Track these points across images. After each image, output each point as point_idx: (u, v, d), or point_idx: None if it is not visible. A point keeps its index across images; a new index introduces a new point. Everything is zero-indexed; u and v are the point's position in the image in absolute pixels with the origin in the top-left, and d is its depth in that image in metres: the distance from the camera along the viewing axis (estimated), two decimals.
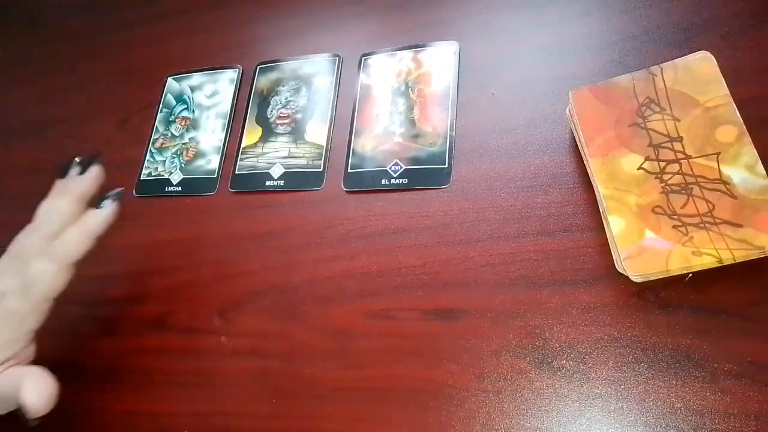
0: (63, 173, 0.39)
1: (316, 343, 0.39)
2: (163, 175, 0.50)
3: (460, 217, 0.40)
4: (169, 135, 0.51)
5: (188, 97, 0.53)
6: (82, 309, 0.46)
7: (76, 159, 0.40)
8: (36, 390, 0.33)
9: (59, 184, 0.39)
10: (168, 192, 0.49)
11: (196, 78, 0.53)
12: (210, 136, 0.50)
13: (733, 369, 0.32)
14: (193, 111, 0.52)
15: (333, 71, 0.49)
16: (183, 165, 0.50)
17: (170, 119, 0.52)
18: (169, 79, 0.54)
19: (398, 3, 0.50)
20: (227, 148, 0.49)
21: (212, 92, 0.52)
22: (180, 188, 0.49)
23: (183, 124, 0.51)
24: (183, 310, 0.44)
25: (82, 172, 0.39)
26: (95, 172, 0.39)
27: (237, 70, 0.52)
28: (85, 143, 0.55)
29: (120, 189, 0.40)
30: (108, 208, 0.38)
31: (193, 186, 0.48)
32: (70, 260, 0.37)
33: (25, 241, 0.37)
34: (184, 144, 0.50)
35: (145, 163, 0.51)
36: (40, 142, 0.57)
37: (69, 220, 0.37)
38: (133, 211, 0.48)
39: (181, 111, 0.52)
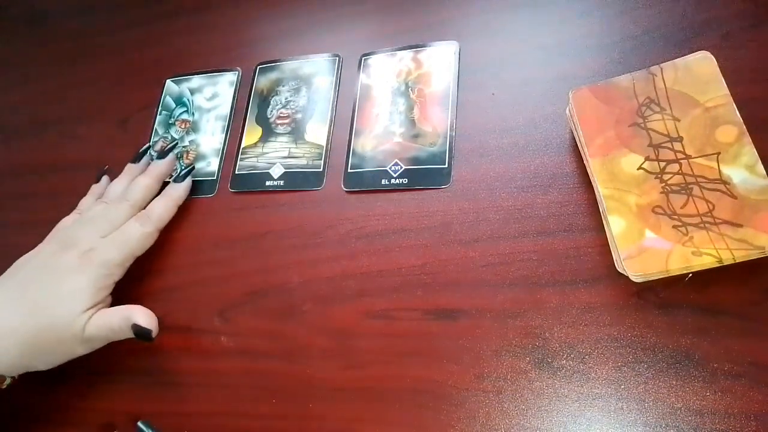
0: (136, 159, 0.48)
1: (316, 343, 0.39)
2: None
3: (460, 217, 0.40)
4: (169, 138, 0.51)
5: (188, 100, 0.53)
6: None
7: (149, 146, 0.49)
8: (145, 315, 0.40)
9: (130, 167, 0.48)
10: None
11: (196, 80, 0.53)
12: (210, 139, 0.50)
13: (733, 369, 0.32)
14: (193, 114, 0.52)
15: (333, 71, 0.49)
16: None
17: (170, 122, 0.52)
18: (168, 81, 0.54)
19: (398, 3, 0.50)
20: (227, 148, 0.49)
21: (212, 95, 0.52)
22: None
23: (183, 126, 0.51)
24: (183, 310, 0.44)
25: (161, 157, 0.47)
26: (172, 157, 0.48)
27: (237, 72, 0.52)
28: (85, 143, 0.55)
29: (193, 164, 0.49)
30: (187, 180, 0.47)
31: (193, 188, 0.48)
32: (160, 225, 0.45)
33: (109, 209, 0.44)
34: (184, 147, 0.50)
35: None
36: (40, 142, 0.57)
37: (152, 195, 0.46)
38: None
39: (180, 113, 0.52)
